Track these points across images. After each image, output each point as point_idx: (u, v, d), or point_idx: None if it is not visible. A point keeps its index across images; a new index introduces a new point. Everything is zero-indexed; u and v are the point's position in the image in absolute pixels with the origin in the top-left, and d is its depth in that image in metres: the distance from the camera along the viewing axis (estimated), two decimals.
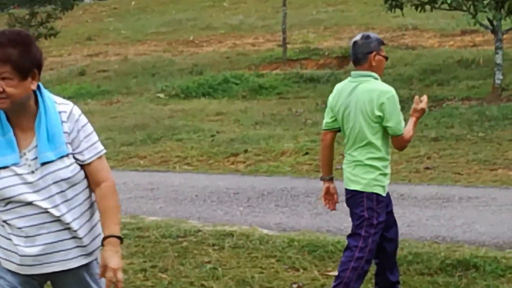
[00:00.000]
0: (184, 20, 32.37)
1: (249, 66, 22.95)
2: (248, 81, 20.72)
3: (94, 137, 3.62)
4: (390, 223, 5.76)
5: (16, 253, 3.54)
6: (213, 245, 7.53)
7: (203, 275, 6.63)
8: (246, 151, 13.28)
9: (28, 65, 3.41)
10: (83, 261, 3.63)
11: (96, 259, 3.73)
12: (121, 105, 19.77)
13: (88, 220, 3.62)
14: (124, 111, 18.66)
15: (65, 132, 3.50)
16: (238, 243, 7.54)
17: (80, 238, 3.58)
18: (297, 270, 6.75)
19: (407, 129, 5.56)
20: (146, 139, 15.05)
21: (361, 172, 5.54)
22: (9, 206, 3.50)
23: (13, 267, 3.58)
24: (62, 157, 3.47)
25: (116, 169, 12.40)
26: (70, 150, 3.51)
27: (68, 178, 3.50)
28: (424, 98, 5.66)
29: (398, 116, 5.48)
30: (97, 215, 3.68)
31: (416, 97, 5.71)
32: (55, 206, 3.49)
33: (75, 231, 3.55)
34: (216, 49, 26.60)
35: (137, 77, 23.36)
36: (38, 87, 3.52)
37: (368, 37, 5.60)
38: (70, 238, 3.55)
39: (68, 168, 3.50)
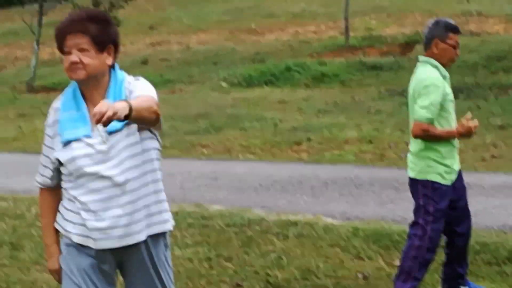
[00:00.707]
0: (246, 8, 32.34)
1: (311, 54, 22.85)
2: (310, 69, 20.65)
3: (148, 88, 3.66)
4: (462, 217, 5.67)
5: (85, 226, 3.60)
6: (278, 234, 7.52)
7: (268, 264, 6.63)
8: (309, 139, 13.24)
9: (105, 39, 3.58)
10: (149, 231, 3.65)
11: (165, 241, 3.78)
12: (183, 94, 19.87)
13: (154, 192, 3.66)
14: (186, 100, 18.74)
15: None
16: (302, 232, 7.53)
17: (147, 209, 3.62)
18: (362, 259, 6.71)
19: (438, 128, 5.40)
20: (209, 127, 15.10)
21: (416, 159, 5.50)
22: (79, 181, 3.58)
23: (83, 241, 3.64)
24: (127, 124, 3.52)
25: (180, 157, 12.48)
26: None
27: (135, 145, 3.57)
28: (475, 121, 5.46)
29: (425, 101, 5.32)
30: (164, 194, 3.73)
31: (468, 114, 5.54)
32: (123, 175, 3.54)
33: (141, 202, 3.60)
34: (278, 37, 26.52)
35: (199, 66, 23.45)
36: (114, 66, 3.66)
37: (436, 23, 5.51)
38: (137, 210, 3.59)
39: (134, 136, 3.57)
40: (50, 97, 21.72)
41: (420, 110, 5.34)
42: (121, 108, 3.20)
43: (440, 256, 5.90)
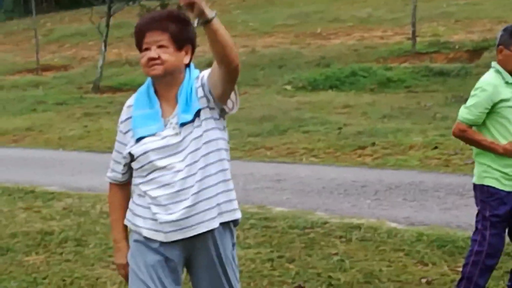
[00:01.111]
0: (311, 13, 32.32)
1: (377, 59, 22.71)
2: (376, 74, 20.52)
3: None
4: None
5: (156, 220, 3.63)
6: (341, 237, 7.48)
7: (330, 267, 6.58)
8: (373, 144, 13.14)
9: (184, 38, 3.65)
10: (220, 219, 3.67)
11: (233, 240, 3.80)
12: (248, 96, 19.90)
13: (222, 181, 3.69)
14: (251, 102, 18.77)
15: (200, 97, 3.64)
16: (365, 235, 7.47)
17: (216, 198, 3.64)
18: (426, 264, 6.62)
19: (480, 135, 5.30)
20: (273, 130, 15.10)
21: (475, 164, 5.44)
22: (149, 176, 3.64)
23: (153, 235, 3.67)
24: (197, 114, 3.60)
25: (243, 159, 12.51)
26: (203, 105, 3.64)
27: (203, 135, 3.61)
28: None
29: (470, 102, 5.27)
30: (232, 183, 3.76)
31: None
32: (193, 166, 3.59)
33: (210, 192, 3.62)
34: (344, 41, 26.42)
35: (264, 69, 23.49)
36: (189, 65, 3.72)
37: (504, 29, 5.43)
38: (207, 199, 3.61)
39: (202, 127, 3.61)
40: (116, 97, 22.08)
41: (463, 109, 5.32)
42: (205, 4, 3.29)
43: (507, 264, 5.79)
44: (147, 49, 3.62)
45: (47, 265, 7.00)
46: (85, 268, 6.85)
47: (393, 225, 7.92)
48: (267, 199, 9.56)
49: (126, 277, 3.90)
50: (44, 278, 6.59)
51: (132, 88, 21.81)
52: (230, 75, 3.54)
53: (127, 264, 3.83)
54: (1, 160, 14.27)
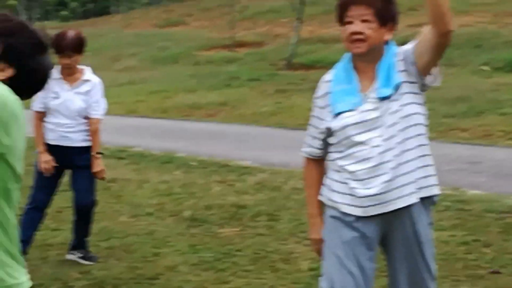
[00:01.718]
0: None
1: None
2: None
3: None
4: None
5: (354, 195, 3.62)
6: None
7: None
8: None
9: (387, 14, 3.64)
10: (418, 194, 3.62)
11: (429, 219, 3.74)
12: (443, 76, 19.43)
13: (420, 156, 3.64)
14: (446, 83, 18.15)
15: (400, 71, 3.62)
16: None
17: (414, 173, 3.60)
18: None
19: None
20: (468, 111, 14.70)
21: None
22: (347, 151, 3.65)
23: (351, 211, 3.65)
24: (397, 89, 3.59)
25: (437, 140, 12.22)
26: (403, 79, 3.62)
27: (401, 110, 3.59)
28: None
29: None
30: (430, 159, 3.70)
31: None
32: (390, 141, 3.57)
33: (407, 167, 3.59)
34: None
35: (460, 49, 22.86)
36: (388, 43, 3.70)
37: None
38: (405, 174, 3.58)
39: (400, 101, 3.60)
40: (308, 74, 22.16)
41: None
42: None
43: None
44: (349, 22, 3.60)
45: (240, 237, 7.14)
46: (278, 242, 6.93)
47: None
48: (461, 181, 9.30)
49: (319, 253, 3.91)
50: (238, 250, 6.72)
51: (324, 65, 21.83)
52: (441, 41, 3.51)
53: (321, 240, 3.84)
54: (196, 134, 14.69)
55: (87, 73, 6.52)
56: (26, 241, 5.94)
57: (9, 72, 2.60)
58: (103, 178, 6.66)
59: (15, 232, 2.61)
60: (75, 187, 6.59)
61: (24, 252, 2.57)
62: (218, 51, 30.16)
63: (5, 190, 2.54)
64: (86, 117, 6.46)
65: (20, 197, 2.67)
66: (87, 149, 6.49)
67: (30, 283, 2.66)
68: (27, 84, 2.67)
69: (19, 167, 2.59)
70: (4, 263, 2.55)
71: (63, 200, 7.20)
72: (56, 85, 6.34)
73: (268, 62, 26.28)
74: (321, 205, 3.88)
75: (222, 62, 27.18)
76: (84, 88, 6.45)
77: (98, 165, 6.49)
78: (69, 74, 6.41)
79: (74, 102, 6.42)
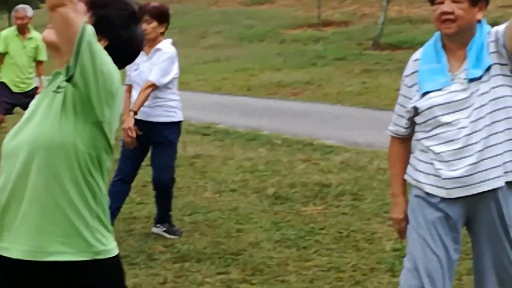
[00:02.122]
0: None
1: None
2: None
3: None
4: None
5: (438, 176, 3.58)
6: None
7: None
8: None
9: None
10: (506, 178, 3.57)
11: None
12: None
13: (509, 140, 3.58)
14: None
15: (491, 52, 3.56)
16: None
17: (501, 156, 3.55)
18: None
19: None
20: None
21: None
22: (433, 131, 3.60)
23: (435, 191, 3.61)
24: (487, 70, 3.53)
25: None
26: (494, 61, 3.55)
27: (490, 92, 3.53)
28: None
29: None
30: None
31: None
32: (477, 123, 3.52)
33: (495, 150, 3.54)
34: None
35: None
36: (480, 22, 3.64)
37: None
38: (492, 157, 3.53)
39: (489, 83, 3.54)
40: (395, 54, 21.94)
41: None
42: None
43: None
44: (440, 2, 3.54)
45: (324, 216, 7.13)
46: (361, 222, 6.89)
47: None
48: None
49: (400, 232, 3.90)
50: (321, 229, 6.71)
51: (412, 46, 21.55)
52: None
53: (403, 219, 3.83)
54: (281, 112, 14.70)
55: (163, 43, 6.43)
56: (112, 213, 5.99)
57: (102, 43, 2.63)
58: (130, 140, 6.35)
59: (105, 201, 2.67)
60: (152, 163, 6.62)
61: (111, 223, 2.63)
62: (304, 30, 30.07)
63: (98, 159, 2.61)
64: (164, 91, 6.40)
65: (110, 169, 2.72)
66: (165, 125, 6.45)
67: (117, 251, 2.71)
68: (120, 55, 2.70)
69: (112, 139, 2.65)
70: (95, 229, 2.62)
71: (147, 174, 7.30)
72: (139, 57, 6.40)
73: (354, 41, 26.09)
74: (405, 185, 3.85)
75: (308, 41, 27.09)
76: (155, 58, 6.36)
77: (127, 122, 6.27)
78: (149, 45, 6.31)
79: (146, 73, 6.35)
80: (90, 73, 2.49)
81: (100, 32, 2.62)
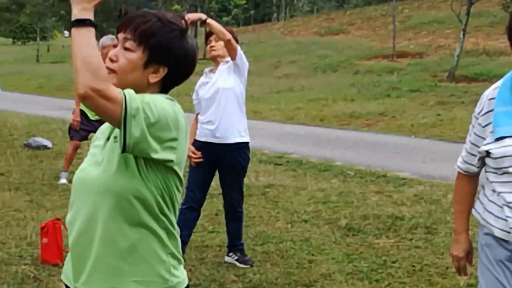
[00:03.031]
0: None
1: None
2: None
3: None
4: None
5: (508, 222, 3.45)
6: None
7: None
8: None
9: None
10: None
11: None
12: None
13: None
14: None
15: None
16: None
17: None
18: None
19: None
20: None
21: None
22: (506, 179, 3.39)
23: (505, 236, 3.51)
24: None
25: None
26: None
27: None
28: None
29: None
30: None
31: None
32: None
33: None
34: None
35: None
36: None
37: None
38: None
39: None
40: (471, 87, 21.71)
41: None
42: None
43: None
44: None
45: (397, 249, 7.05)
46: (435, 256, 6.81)
47: None
48: None
49: (459, 270, 3.84)
50: (394, 262, 6.64)
51: (488, 79, 21.33)
52: None
53: (463, 257, 3.76)
54: (354, 143, 14.65)
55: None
56: (183, 241, 6.04)
57: (161, 72, 2.63)
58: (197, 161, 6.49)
59: (177, 234, 2.69)
60: (221, 185, 6.68)
61: (182, 251, 2.64)
62: (379, 61, 30.03)
63: (170, 198, 2.61)
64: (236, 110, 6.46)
65: (180, 200, 2.73)
66: (234, 147, 6.44)
67: (187, 280, 2.73)
68: (179, 72, 2.68)
69: (181, 174, 2.65)
70: (169, 264, 2.64)
71: (219, 202, 7.33)
72: (204, 78, 6.52)
73: (429, 73, 25.93)
74: (468, 222, 3.75)
75: (382, 72, 27.03)
76: (226, 66, 6.47)
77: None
78: (216, 62, 6.49)
79: (221, 83, 6.44)
80: (143, 142, 2.42)
81: (157, 61, 2.59)
